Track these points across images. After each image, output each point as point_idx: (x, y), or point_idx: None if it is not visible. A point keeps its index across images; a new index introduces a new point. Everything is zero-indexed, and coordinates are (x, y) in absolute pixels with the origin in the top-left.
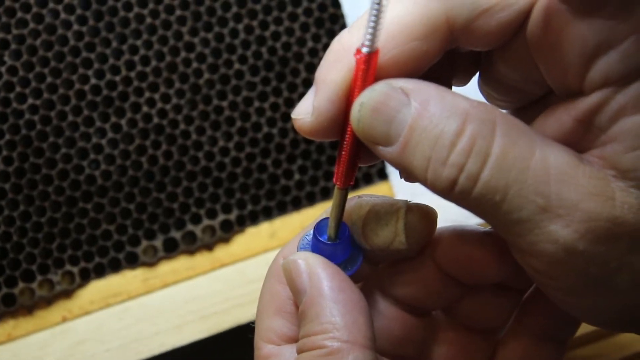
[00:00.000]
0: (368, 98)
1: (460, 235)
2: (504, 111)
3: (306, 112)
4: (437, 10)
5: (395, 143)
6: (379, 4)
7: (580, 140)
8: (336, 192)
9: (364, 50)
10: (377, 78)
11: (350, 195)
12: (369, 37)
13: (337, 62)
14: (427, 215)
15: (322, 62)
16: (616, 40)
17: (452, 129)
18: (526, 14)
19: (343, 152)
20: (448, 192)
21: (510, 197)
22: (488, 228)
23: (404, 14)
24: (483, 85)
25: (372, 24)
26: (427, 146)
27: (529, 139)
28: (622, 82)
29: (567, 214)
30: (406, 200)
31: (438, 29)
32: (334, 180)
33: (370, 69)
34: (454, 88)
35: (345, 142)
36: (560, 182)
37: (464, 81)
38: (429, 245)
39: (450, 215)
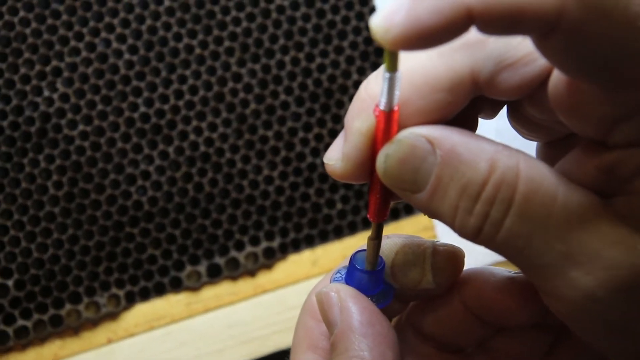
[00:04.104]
0: (393, 150)
1: (486, 279)
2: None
3: (336, 158)
4: (462, 63)
5: (422, 190)
6: (391, 77)
7: (604, 186)
8: (372, 226)
9: (382, 108)
10: (401, 126)
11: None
12: (384, 100)
13: (362, 111)
14: (454, 255)
15: (350, 108)
16: (637, 110)
17: (479, 177)
18: (550, 69)
19: (373, 192)
20: (474, 238)
21: (533, 244)
22: (515, 272)
23: (429, 66)
24: (511, 120)
25: (386, 91)
26: (455, 195)
27: (552, 184)
28: None
29: (589, 261)
30: (433, 241)
31: (463, 82)
32: (368, 216)
33: (390, 123)
34: (481, 121)
35: (374, 183)
36: (582, 230)
37: (491, 115)
38: (456, 285)
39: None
